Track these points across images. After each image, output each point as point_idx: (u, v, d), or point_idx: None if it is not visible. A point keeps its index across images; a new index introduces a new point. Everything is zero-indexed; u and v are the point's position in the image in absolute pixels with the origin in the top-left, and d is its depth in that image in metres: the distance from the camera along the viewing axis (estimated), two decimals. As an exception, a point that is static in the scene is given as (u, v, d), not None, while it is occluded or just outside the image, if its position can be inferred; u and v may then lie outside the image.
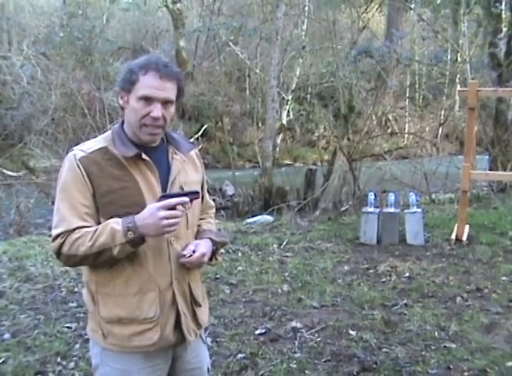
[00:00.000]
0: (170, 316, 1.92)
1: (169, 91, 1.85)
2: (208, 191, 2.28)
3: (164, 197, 1.80)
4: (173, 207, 1.77)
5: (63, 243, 1.82)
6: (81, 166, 1.83)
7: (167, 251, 1.90)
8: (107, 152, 1.87)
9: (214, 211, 2.28)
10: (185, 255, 1.89)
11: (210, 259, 2.01)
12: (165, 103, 1.85)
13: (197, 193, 1.88)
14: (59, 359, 3.66)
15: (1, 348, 3.79)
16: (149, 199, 1.85)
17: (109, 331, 1.90)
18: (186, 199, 1.81)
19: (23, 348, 3.80)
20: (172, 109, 1.89)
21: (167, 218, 1.75)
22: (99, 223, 1.84)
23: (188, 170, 2.02)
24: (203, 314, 2.08)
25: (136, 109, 1.83)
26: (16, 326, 4.18)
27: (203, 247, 1.94)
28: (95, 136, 1.99)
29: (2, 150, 11.55)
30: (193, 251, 1.90)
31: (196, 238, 2.02)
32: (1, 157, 10.79)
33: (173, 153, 1.98)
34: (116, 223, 1.78)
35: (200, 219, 2.13)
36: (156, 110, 1.82)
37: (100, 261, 1.82)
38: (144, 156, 1.87)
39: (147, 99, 1.82)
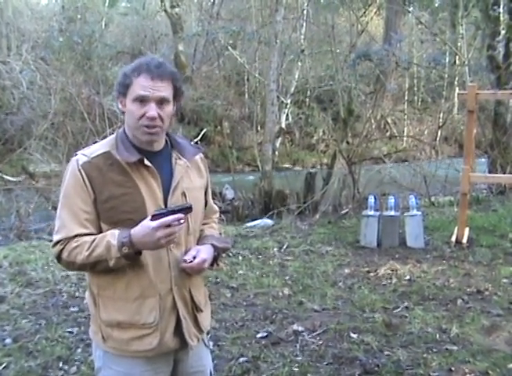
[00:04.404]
0: (170, 321, 1.93)
1: (162, 90, 1.85)
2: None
3: (156, 215, 1.75)
4: (168, 225, 1.75)
5: (62, 249, 1.84)
6: (82, 172, 1.84)
7: (167, 258, 1.90)
8: (110, 157, 1.88)
9: (217, 215, 2.28)
10: (186, 261, 1.89)
11: (212, 265, 2.01)
12: (160, 102, 1.84)
13: (190, 207, 1.82)
14: (60, 364, 3.66)
15: (3, 354, 3.78)
16: (150, 205, 1.85)
17: (109, 335, 1.91)
18: (181, 215, 1.77)
19: (24, 353, 3.79)
20: (169, 108, 1.88)
21: (165, 236, 1.75)
22: (99, 229, 1.85)
23: (191, 175, 2.01)
24: (205, 319, 2.07)
25: (132, 111, 1.85)
26: (18, 331, 4.17)
27: (204, 252, 1.93)
28: (95, 141, 2.00)
29: (2, 155, 11.53)
30: (194, 257, 1.89)
31: (198, 243, 2.01)
32: (0, 162, 10.77)
33: (176, 159, 1.97)
34: (112, 236, 1.78)
35: (203, 224, 2.13)
36: (151, 110, 1.82)
37: (98, 269, 1.84)
38: (146, 162, 1.87)
39: (142, 100, 1.83)
